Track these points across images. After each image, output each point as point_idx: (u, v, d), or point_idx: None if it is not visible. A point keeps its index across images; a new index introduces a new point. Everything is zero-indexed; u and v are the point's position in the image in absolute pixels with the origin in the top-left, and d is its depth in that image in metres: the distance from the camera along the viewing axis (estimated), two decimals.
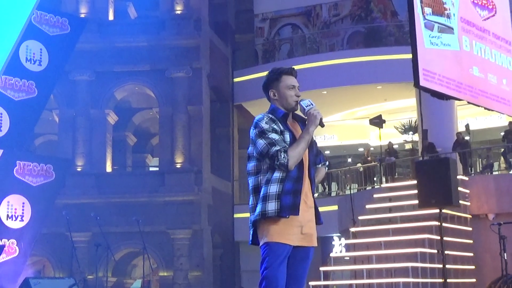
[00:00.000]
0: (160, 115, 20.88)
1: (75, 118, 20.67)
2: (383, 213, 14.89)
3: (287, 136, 3.86)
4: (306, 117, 3.92)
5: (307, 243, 3.93)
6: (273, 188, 3.80)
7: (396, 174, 19.83)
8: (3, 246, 12.13)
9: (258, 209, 3.80)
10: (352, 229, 14.52)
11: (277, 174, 3.81)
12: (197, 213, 19.80)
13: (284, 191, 3.79)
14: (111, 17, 21.95)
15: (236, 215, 21.82)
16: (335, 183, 22.61)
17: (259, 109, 22.88)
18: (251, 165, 3.95)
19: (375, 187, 19.65)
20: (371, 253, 13.43)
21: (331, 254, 15.34)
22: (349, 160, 24.64)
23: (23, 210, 14.43)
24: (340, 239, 18.34)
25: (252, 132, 3.91)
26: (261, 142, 3.82)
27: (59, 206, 16.46)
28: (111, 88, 21.05)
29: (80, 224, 17.31)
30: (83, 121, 20.62)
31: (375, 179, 21.34)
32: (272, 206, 3.77)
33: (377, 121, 20.34)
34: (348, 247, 14.78)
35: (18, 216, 14.32)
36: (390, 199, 15.50)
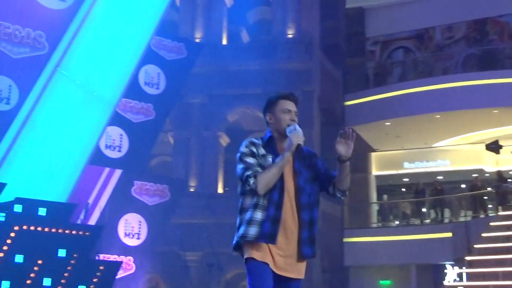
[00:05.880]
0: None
1: (189, 140, 21.20)
2: (501, 242, 14.36)
3: (269, 159, 3.85)
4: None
5: (292, 274, 3.85)
6: (258, 215, 3.77)
7: None
8: (121, 262, 12.59)
9: (241, 231, 3.80)
10: (468, 258, 14.09)
11: (262, 200, 3.79)
12: None
13: (267, 217, 3.77)
14: (224, 42, 22.48)
15: (345, 239, 21.62)
16: (448, 209, 21.98)
17: (370, 133, 22.88)
18: (238, 188, 3.93)
19: (490, 215, 19.00)
20: (488, 284, 12.99)
21: (445, 283, 14.92)
22: (463, 186, 23.91)
23: (139, 228, 14.93)
24: (453, 268, 17.80)
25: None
26: (239, 167, 3.84)
27: (172, 225, 16.88)
28: (224, 110, 21.47)
29: (192, 244, 17.68)
30: (196, 142, 21.11)
31: (490, 206, 20.64)
32: (253, 230, 3.76)
33: (494, 147, 19.75)
34: (463, 276, 14.33)
35: (135, 234, 14.82)
36: (508, 228, 14.95)
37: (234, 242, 3.91)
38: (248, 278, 3.82)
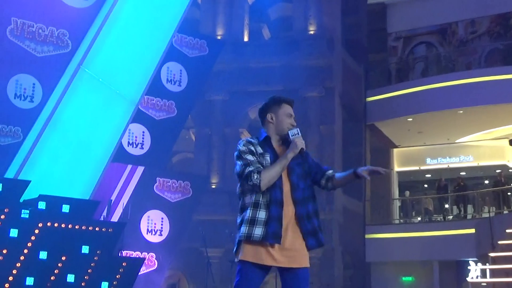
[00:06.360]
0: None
1: (210, 137, 21.28)
2: None
3: (268, 158, 4.04)
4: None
5: (293, 264, 4.01)
6: (262, 214, 3.93)
7: None
8: (144, 259, 12.69)
9: (243, 230, 3.94)
10: (492, 254, 14.00)
11: (262, 199, 3.95)
12: (328, 232, 19.73)
13: (270, 217, 3.92)
14: (246, 38, 22.51)
15: (367, 236, 21.57)
16: (471, 205, 21.84)
17: (392, 129, 22.78)
18: (237, 187, 4.09)
19: None
20: None
21: (468, 279, 14.84)
22: (486, 182, 23.73)
23: (162, 225, 15.02)
24: (476, 264, 17.73)
25: (234, 156, 4.09)
26: (238, 164, 4.00)
27: (194, 222, 16.96)
28: (245, 107, 21.50)
29: (214, 240, 17.73)
30: (218, 139, 21.18)
31: None
32: (258, 231, 3.91)
33: None
34: (486, 273, 14.24)
35: (157, 230, 14.91)
36: None
37: (237, 241, 4.06)
38: (236, 277, 4.01)
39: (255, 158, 4.00)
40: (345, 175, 4.17)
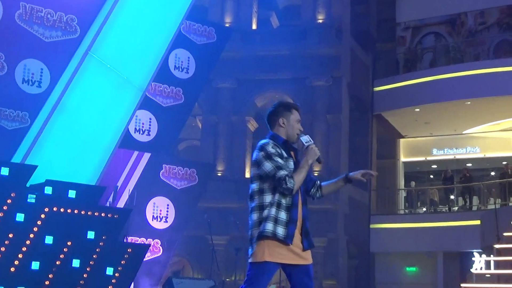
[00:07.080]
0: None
1: (217, 125, 21.29)
2: None
3: (291, 163, 4.23)
4: (304, 150, 4.28)
5: (301, 262, 4.22)
6: (283, 215, 4.12)
7: None
8: (149, 245, 12.72)
9: (270, 227, 4.09)
10: (497, 246, 14.01)
11: (283, 200, 4.13)
12: (333, 222, 19.77)
13: (291, 219, 4.14)
14: (254, 27, 22.46)
15: (372, 226, 21.59)
16: (477, 197, 21.82)
17: (399, 119, 22.74)
18: (254, 185, 4.24)
19: None
20: None
21: (473, 271, 14.84)
22: (493, 173, 23.68)
23: (167, 211, 15.03)
24: (481, 255, 17.73)
25: (257, 154, 4.23)
26: (268, 165, 4.14)
27: (200, 209, 16.99)
28: (252, 95, 21.51)
29: (219, 228, 17.78)
30: (225, 127, 21.20)
31: None
32: (280, 231, 4.09)
33: None
34: (491, 265, 14.24)
35: (162, 217, 14.93)
36: None
37: (256, 237, 4.15)
38: (251, 276, 4.14)
39: (284, 162, 4.18)
40: (334, 181, 4.48)
